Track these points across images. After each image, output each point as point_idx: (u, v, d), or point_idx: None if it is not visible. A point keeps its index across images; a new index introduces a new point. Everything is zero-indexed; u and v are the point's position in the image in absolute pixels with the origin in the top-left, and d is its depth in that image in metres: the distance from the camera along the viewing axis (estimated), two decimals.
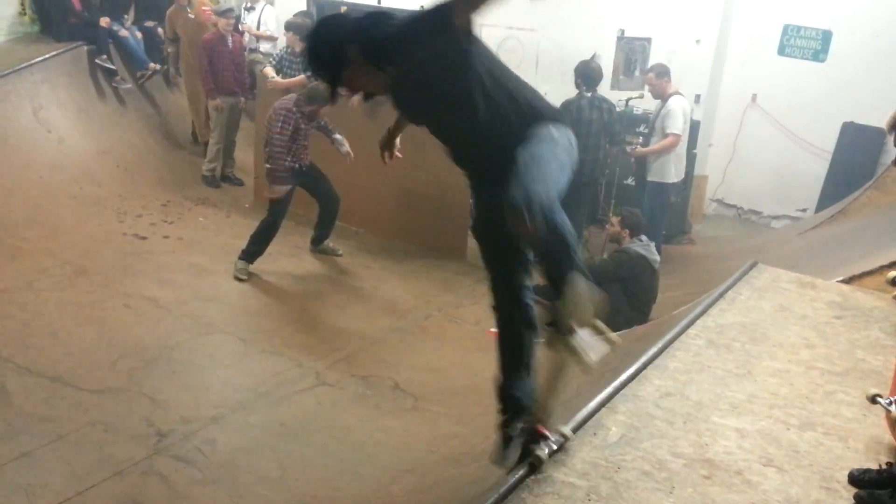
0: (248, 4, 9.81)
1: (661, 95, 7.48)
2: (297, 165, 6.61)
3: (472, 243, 7.47)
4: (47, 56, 8.72)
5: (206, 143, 9.07)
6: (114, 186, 8.25)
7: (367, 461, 4.50)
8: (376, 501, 4.11)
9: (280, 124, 6.44)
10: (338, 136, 6.86)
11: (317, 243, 7.36)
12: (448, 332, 6.16)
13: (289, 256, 7.20)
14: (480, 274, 6.99)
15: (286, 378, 5.27)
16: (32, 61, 8.53)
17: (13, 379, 4.94)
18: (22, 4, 9.44)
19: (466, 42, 2.69)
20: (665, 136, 7.36)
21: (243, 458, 4.41)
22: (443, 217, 7.49)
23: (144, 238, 7.36)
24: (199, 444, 4.47)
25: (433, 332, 6.13)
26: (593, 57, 8.34)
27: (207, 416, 4.75)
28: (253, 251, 6.75)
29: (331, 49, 2.79)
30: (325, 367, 5.45)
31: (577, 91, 7.29)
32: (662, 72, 7.49)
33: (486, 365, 5.58)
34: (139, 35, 9.48)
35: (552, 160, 2.64)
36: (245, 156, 9.14)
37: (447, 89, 2.75)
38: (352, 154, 6.81)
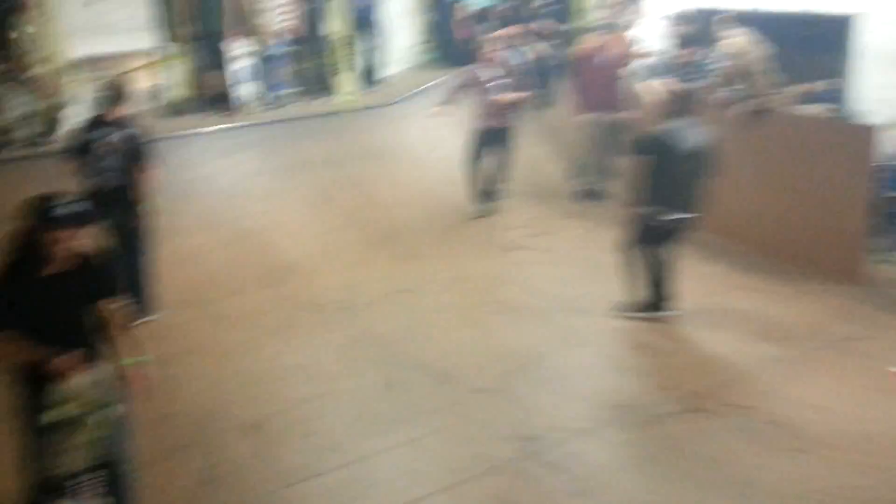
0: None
1: None
2: None
3: (874, 266, 6.49)
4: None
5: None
6: None
7: (741, 498, 4.08)
8: None
9: None
10: None
11: None
12: (844, 367, 5.36)
13: None
14: (882, 300, 6.12)
15: (656, 399, 5.01)
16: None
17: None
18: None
19: None
20: None
21: (611, 475, 4.27)
22: (832, 234, 6.63)
23: (518, 249, 7.63)
24: (567, 453, 4.42)
25: (825, 366, 5.37)
26: None
27: (576, 427, 4.68)
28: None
29: None
30: (696, 392, 5.07)
31: None
32: None
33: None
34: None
35: None
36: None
37: None
38: None
